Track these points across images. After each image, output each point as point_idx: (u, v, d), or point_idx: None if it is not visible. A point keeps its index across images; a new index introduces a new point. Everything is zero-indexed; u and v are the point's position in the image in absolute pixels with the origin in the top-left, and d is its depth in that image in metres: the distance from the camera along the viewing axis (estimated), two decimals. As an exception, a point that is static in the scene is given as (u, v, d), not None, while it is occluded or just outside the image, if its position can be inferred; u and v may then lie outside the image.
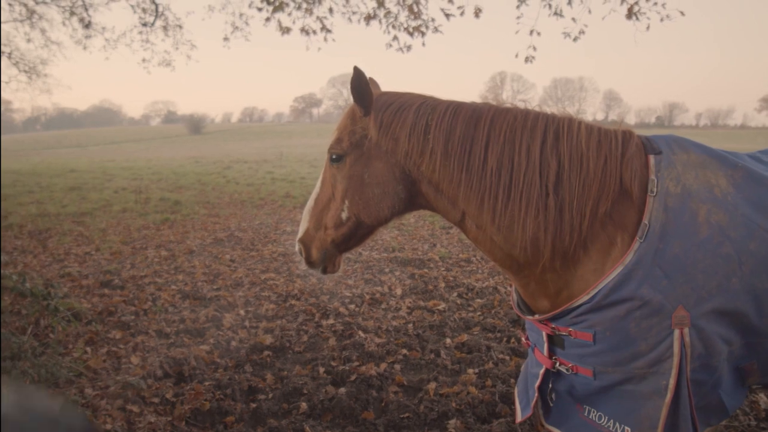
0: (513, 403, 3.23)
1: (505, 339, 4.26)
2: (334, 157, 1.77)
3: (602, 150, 1.53)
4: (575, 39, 7.28)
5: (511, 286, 5.56)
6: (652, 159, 1.54)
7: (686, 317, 1.42)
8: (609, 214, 1.50)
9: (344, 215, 1.76)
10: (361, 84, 1.66)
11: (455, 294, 5.41)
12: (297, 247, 1.91)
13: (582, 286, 1.53)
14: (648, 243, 1.43)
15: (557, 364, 1.64)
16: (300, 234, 1.88)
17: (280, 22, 8.42)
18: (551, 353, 1.67)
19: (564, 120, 1.58)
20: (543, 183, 1.51)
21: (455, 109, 1.64)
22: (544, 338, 1.67)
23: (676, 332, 1.42)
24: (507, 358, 3.89)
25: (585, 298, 1.49)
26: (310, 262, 1.89)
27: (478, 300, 5.22)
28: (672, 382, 1.43)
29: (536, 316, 1.69)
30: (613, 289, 1.44)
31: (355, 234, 1.80)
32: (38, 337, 3.63)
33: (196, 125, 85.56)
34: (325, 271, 1.92)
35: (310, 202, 1.86)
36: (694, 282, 1.43)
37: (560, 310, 1.56)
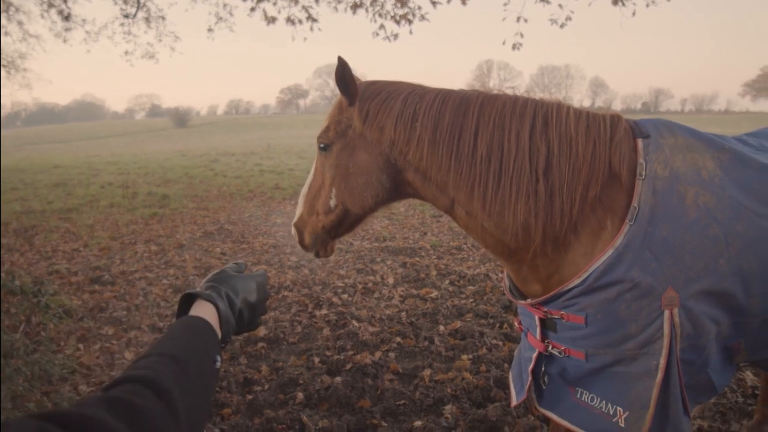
0: (507, 388, 3.27)
1: (497, 325, 4.30)
2: (321, 146, 1.79)
3: (591, 134, 1.54)
4: (562, 25, 7.29)
5: (502, 272, 5.61)
6: (640, 143, 1.55)
7: (675, 298, 1.45)
8: (599, 197, 1.52)
9: (332, 203, 1.79)
10: (345, 74, 1.66)
11: (447, 281, 5.45)
12: (293, 231, 1.97)
13: (573, 269, 1.54)
14: (637, 226, 1.45)
15: (550, 347, 1.66)
16: (295, 218, 1.94)
17: (265, 12, 8.34)
18: (544, 337, 1.70)
19: (552, 105, 1.59)
20: (533, 168, 1.52)
21: (444, 96, 1.65)
22: (537, 322, 1.70)
23: (666, 313, 1.45)
24: (500, 343, 3.94)
25: (576, 281, 1.51)
26: (303, 246, 1.95)
27: (470, 287, 5.26)
28: (662, 362, 1.45)
29: (528, 301, 1.71)
30: (603, 272, 1.46)
31: (344, 221, 1.83)
32: (29, 335, 3.60)
33: (181, 118, 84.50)
34: (318, 255, 1.98)
35: (305, 188, 1.90)
36: (683, 263, 1.45)
37: (552, 293, 1.58)
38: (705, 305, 1.50)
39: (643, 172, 1.49)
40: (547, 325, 1.68)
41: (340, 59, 1.64)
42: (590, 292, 1.49)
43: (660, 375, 1.46)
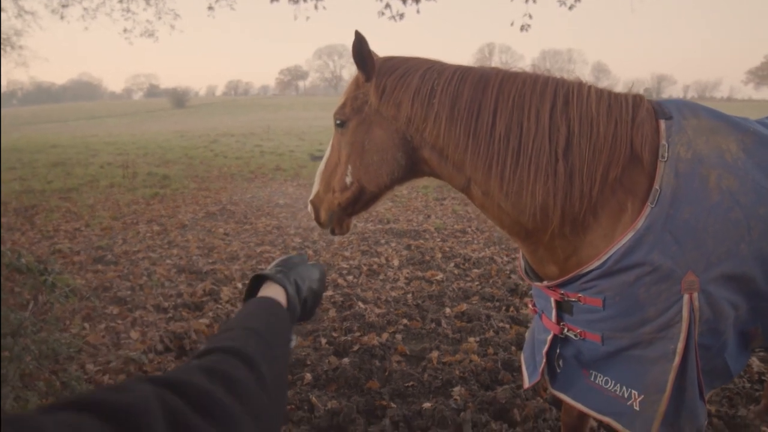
0: (515, 371, 3.27)
1: (504, 308, 4.30)
2: (338, 122, 1.76)
3: (612, 114, 1.50)
4: (571, 7, 7.15)
5: (507, 255, 5.59)
6: (662, 124, 1.51)
7: (695, 282, 1.42)
8: (619, 179, 1.49)
9: (348, 180, 1.76)
10: (362, 49, 1.62)
11: (452, 264, 5.43)
12: (309, 208, 1.95)
13: (591, 252, 1.52)
14: (659, 208, 1.42)
15: (565, 329, 1.65)
16: (312, 195, 1.91)
17: (268, -11, 8.14)
18: (559, 319, 1.68)
19: (574, 84, 1.54)
20: (552, 148, 1.48)
21: (462, 73, 1.60)
22: (552, 304, 1.68)
23: (686, 297, 1.42)
24: (507, 326, 3.93)
25: (596, 263, 1.48)
26: (319, 223, 1.93)
27: (475, 270, 5.25)
28: (680, 346, 1.44)
29: (544, 283, 1.68)
30: (624, 255, 1.43)
31: (360, 198, 1.79)
32: (35, 313, 3.58)
33: (179, 99, 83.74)
34: (333, 233, 1.95)
35: (322, 165, 1.87)
36: (704, 247, 1.43)
37: (570, 276, 1.55)
38: (724, 290, 1.48)
39: (666, 154, 1.46)
40: (563, 307, 1.66)
41: (357, 33, 1.59)
42: (609, 274, 1.47)
43: (677, 359, 1.45)
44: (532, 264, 1.76)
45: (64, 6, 12.88)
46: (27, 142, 22.94)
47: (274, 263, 1.18)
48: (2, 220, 7.77)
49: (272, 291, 1.03)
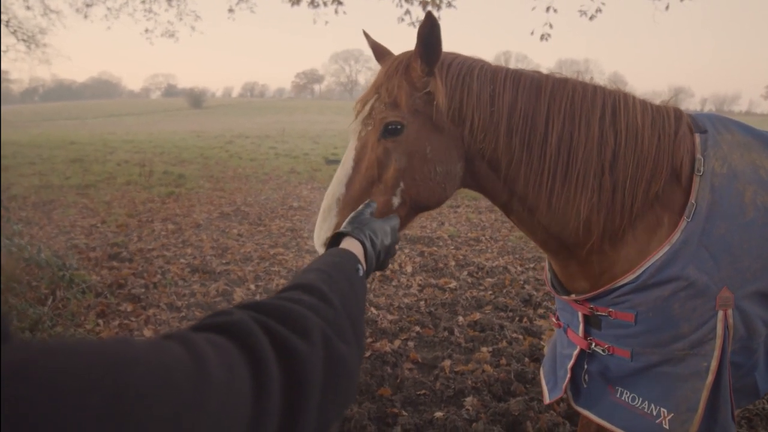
0: (528, 382, 3.23)
1: (517, 318, 4.25)
2: (391, 127, 1.43)
3: (656, 127, 1.47)
4: (591, 17, 7.11)
5: (521, 265, 5.53)
6: (697, 138, 1.49)
7: (730, 299, 1.40)
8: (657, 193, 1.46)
9: (396, 201, 1.45)
10: (434, 34, 1.38)
11: (465, 273, 5.40)
12: (322, 251, 1.47)
13: (626, 266, 1.48)
14: (695, 223, 1.40)
15: (593, 344, 1.60)
16: (328, 231, 1.44)
17: (290, -7, 8.22)
18: (586, 334, 1.64)
19: (620, 94, 1.50)
20: (600, 161, 1.43)
21: (515, 77, 1.49)
22: (580, 318, 1.64)
23: (720, 314, 1.40)
24: (520, 337, 3.89)
25: (630, 277, 1.45)
26: None
27: (489, 279, 5.21)
28: (714, 364, 1.41)
29: (572, 296, 1.64)
30: (659, 269, 1.40)
31: (406, 222, 1.52)
32: (53, 309, 3.62)
33: (196, 99, 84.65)
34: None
35: (338, 190, 1.46)
36: (740, 263, 1.40)
37: (603, 290, 1.51)
38: (758, 307, 1.46)
39: (701, 168, 1.44)
40: (590, 321, 1.62)
41: (429, 15, 1.36)
42: (644, 289, 1.44)
43: (711, 377, 1.41)
44: (562, 277, 1.71)
45: (88, 5, 13.11)
46: (46, 138, 23.33)
47: (347, 221, 1.23)
48: (22, 214, 7.88)
49: (349, 244, 1.08)
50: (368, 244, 1.11)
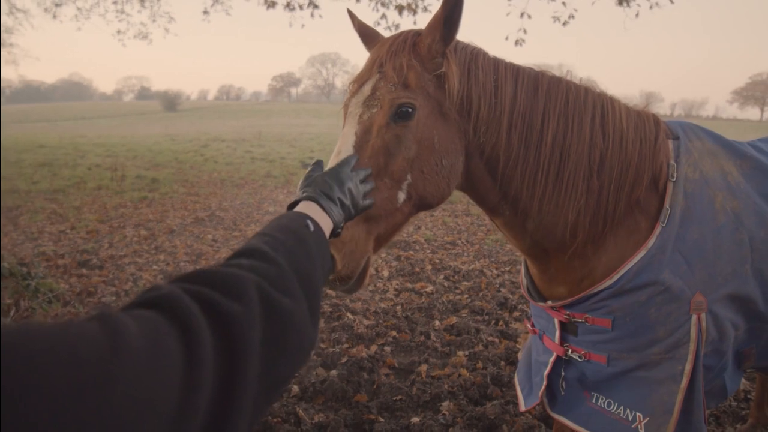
0: (504, 386, 3.25)
1: (493, 321, 4.28)
2: (403, 110, 1.28)
3: (638, 133, 1.48)
4: (564, 23, 7.25)
5: (497, 269, 5.57)
6: (670, 144, 1.53)
7: (704, 303, 1.42)
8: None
9: (402, 196, 1.30)
10: (457, 10, 1.26)
11: (442, 276, 5.42)
12: None
13: (607, 271, 1.49)
14: (669, 228, 1.42)
15: (569, 351, 1.61)
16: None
17: (265, -4, 8.15)
18: (563, 340, 1.64)
19: (606, 96, 1.50)
20: (590, 163, 1.42)
21: (514, 70, 1.42)
22: (556, 325, 1.64)
23: (694, 318, 1.42)
24: (496, 340, 3.92)
25: (608, 282, 1.45)
26: (342, 277, 1.24)
27: (465, 282, 5.24)
28: (688, 367, 1.43)
29: (548, 303, 1.64)
30: (636, 274, 1.42)
31: (404, 223, 1.37)
32: (16, 320, 3.50)
33: (171, 102, 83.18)
34: (356, 287, 1.30)
35: None
36: (712, 268, 1.44)
37: (580, 296, 1.52)
38: (728, 310, 1.49)
39: (675, 174, 1.47)
40: (567, 328, 1.62)
41: None
42: (621, 294, 1.45)
43: (685, 381, 1.44)
44: (540, 284, 1.70)
45: (57, 5, 12.74)
46: (14, 141, 22.60)
47: (300, 183, 1.16)
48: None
49: (302, 207, 1.03)
50: (323, 200, 1.05)
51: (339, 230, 1.09)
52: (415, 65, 1.31)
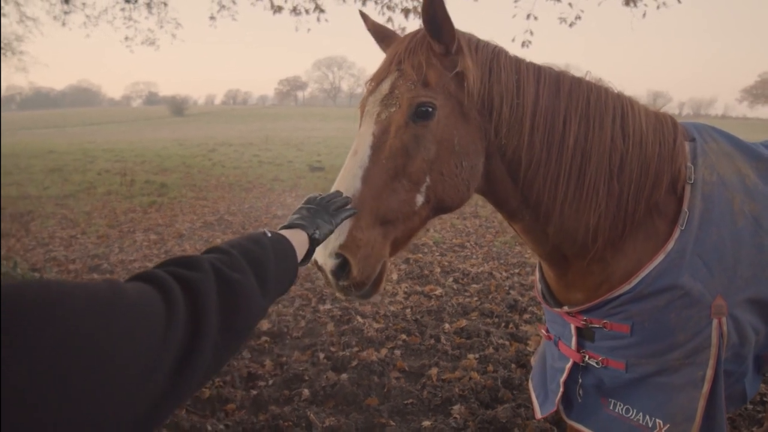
0: (515, 389, 3.23)
1: (503, 324, 4.26)
2: (423, 109, 1.25)
3: (657, 134, 1.46)
4: (571, 24, 7.21)
5: (513, 270, 5.54)
6: (687, 146, 1.51)
7: (724, 306, 1.40)
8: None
9: (420, 199, 1.28)
10: (436, 10, 1.22)
11: (451, 279, 5.40)
12: (332, 263, 1.25)
13: (623, 276, 1.46)
14: (688, 231, 1.40)
15: (586, 357, 1.57)
16: (341, 238, 1.23)
17: (272, 1, 8.18)
18: (579, 346, 1.60)
19: (625, 97, 1.48)
20: (609, 166, 1.40)
21: (535, 70, 1.39)
22: (573, 331, 1.60)
23: (714, 322, 1.40)
24: (507, 343, 3.89)
25: (626, 287, 1.43)
26: (357, 283, 1.24)
27: (475, 285, 5.21)
28: (710, 372, 1.40)
29: (565, 308, 1.62)
30: (655, 278, 1.39)
31: (421, 227, 1.35)
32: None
33: (178, 107, 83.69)
34: (371, 293, 1.31)
35: (353, 185, 1.25)
36: (732, 271, 1.41)
37: (597, 301, 1.49)
38: (749, 314, 1.47)
39: (692, 177, 1.45)
40: (584, 334, 1.58)
41: None
42: (640, 299, 1.42)
43: (707, 386, 1.41)
44: (556, 289, 1.67)
45: (66, 13, 12.88)
46: (24, 147, 22.85)
47: (303, 202, 1.24)
48: (-3, 226, 7.69)
49: (290, 233, 1.12)
50: (310, 231, 1.15)
51: (316, 235, 1.16)
52: (434, 63, 1.29)
